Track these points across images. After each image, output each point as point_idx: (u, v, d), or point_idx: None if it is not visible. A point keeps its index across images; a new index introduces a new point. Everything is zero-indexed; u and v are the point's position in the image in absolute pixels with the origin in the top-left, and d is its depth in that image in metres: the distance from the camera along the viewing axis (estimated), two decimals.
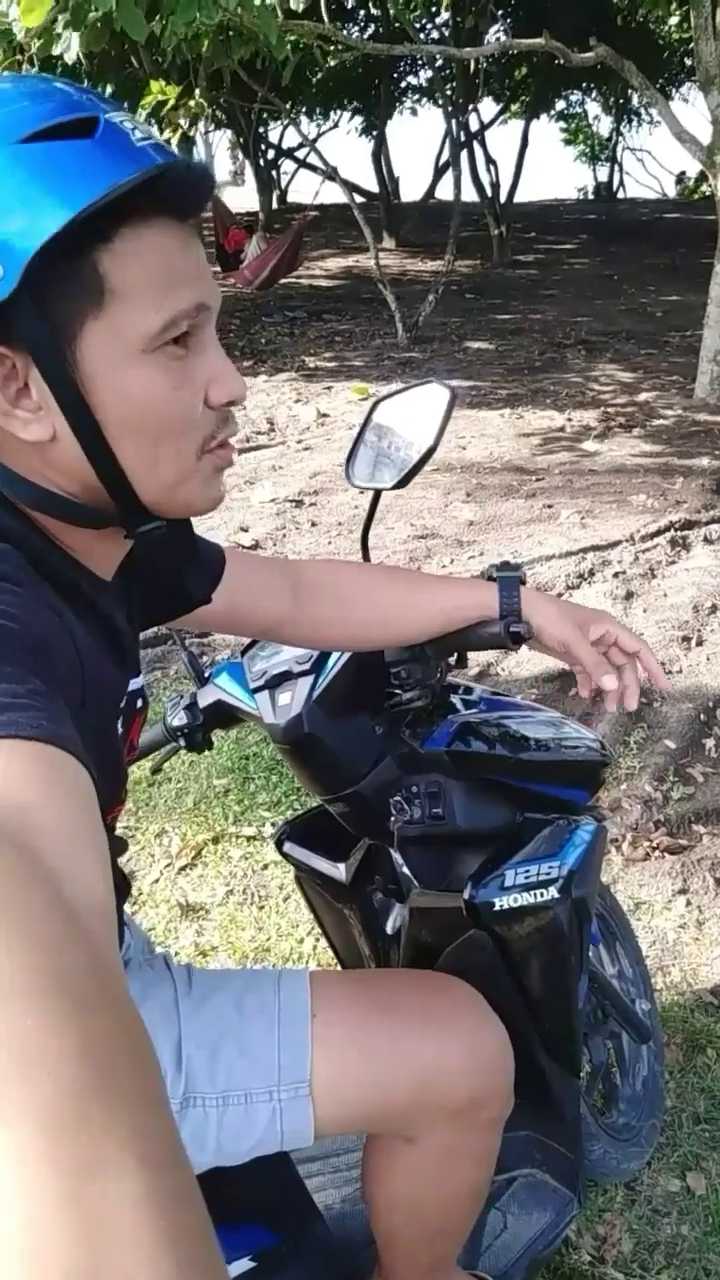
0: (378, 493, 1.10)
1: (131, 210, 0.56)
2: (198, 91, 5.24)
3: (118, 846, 0.85)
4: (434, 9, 11.42)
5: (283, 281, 9.11)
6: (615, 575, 3.46)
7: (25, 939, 0.36)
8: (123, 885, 0.87)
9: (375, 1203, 0.97)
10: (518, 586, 1.00)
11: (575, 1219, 1.25)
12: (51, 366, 0.57)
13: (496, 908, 1.08)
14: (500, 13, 11.34)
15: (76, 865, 0.41)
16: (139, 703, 0.79)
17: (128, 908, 1.93)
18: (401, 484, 1.03)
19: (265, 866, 2.12)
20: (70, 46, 3.55)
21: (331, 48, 5.61)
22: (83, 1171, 0.30)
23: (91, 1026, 0.34)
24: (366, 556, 1.19)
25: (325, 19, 5.01)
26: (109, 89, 6.86)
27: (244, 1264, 0.93)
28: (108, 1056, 0.34)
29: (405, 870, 1.16)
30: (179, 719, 1.23)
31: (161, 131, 5.17)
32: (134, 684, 0.77)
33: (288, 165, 15.89)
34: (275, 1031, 0.86)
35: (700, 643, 3.01)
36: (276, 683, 1.13)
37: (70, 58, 3.63)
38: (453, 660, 1.16)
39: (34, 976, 0.35)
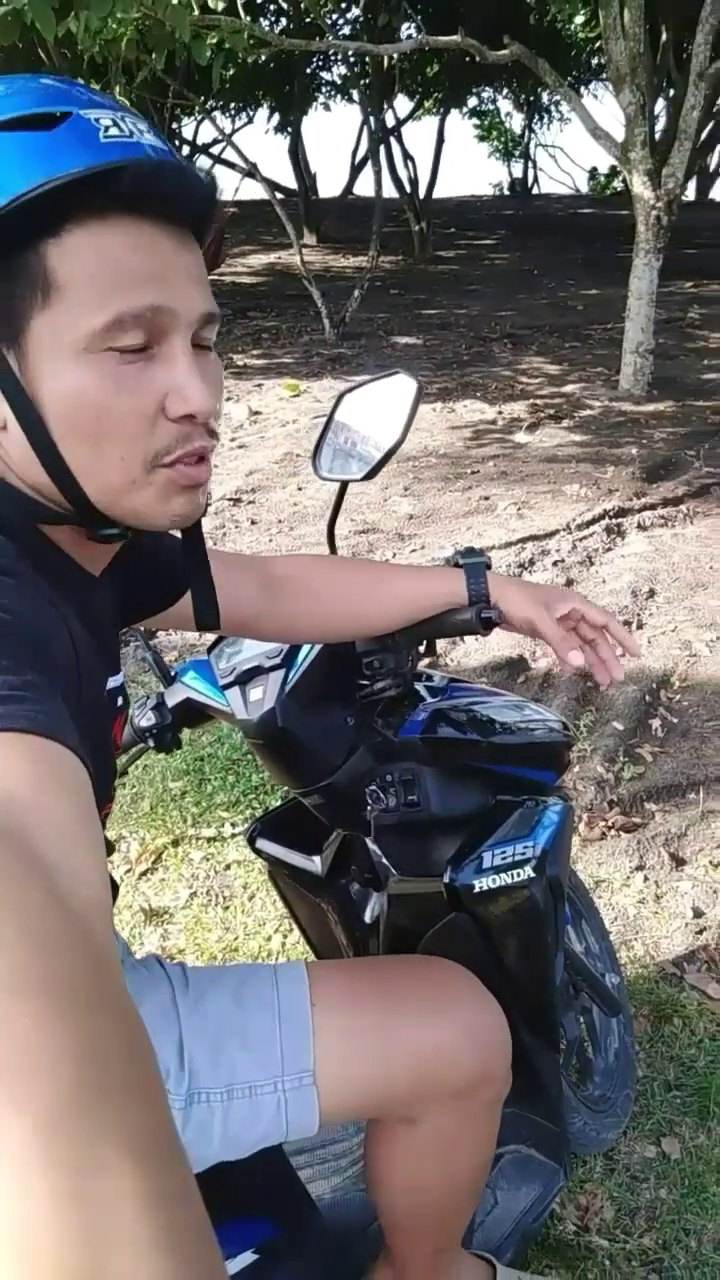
0: (344, 485, 1.10)
1: (84, 205, 0.54)
2: (116, 90, 5.15)
3: (106, 848, 0.84)
4: (345, 4, 11.43)
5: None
6: (555, 564, 3.53)
7: (22, 936, 0.36)
8: (112, 889, 0.86)
9: (379, 1188, 0.98)
10: (484, 572, 1.02)
11: (563, 1189, 1.28)
12: None
13: (476, 889, 1.09)
14: (411, 10, 11.41)
15: (74, 860, 0.41)
16: (119, 700, 0.79)
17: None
18: (370, 475, 1.04)
19: (228, 867, 2.11)
20: None
21: (246, 44, 5.57)
22: (81, 1170, 0.30)
23: (89, 1024, 0.34)
24: (333, 547, 1.19)
25: (241, 14, 4.97)
26: None
27: (248, 1257, 0.93)
28: (105, 1054, 0.34)
29: (383, 859, 1.16)
30: (147, 719, 1.22)
31: None
32: (115, 682, 0.77)
33: (203, 162, 15.72)
34: (276, 1023, 0.86)
35: (640, 626, 3.08)
36: (247, 678, 1.13)
37: None
38: (422, 648, 1.18)
39: (31, 974, 0.35)
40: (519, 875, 1.10)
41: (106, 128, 0.55)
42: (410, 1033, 0.89)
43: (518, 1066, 1.21)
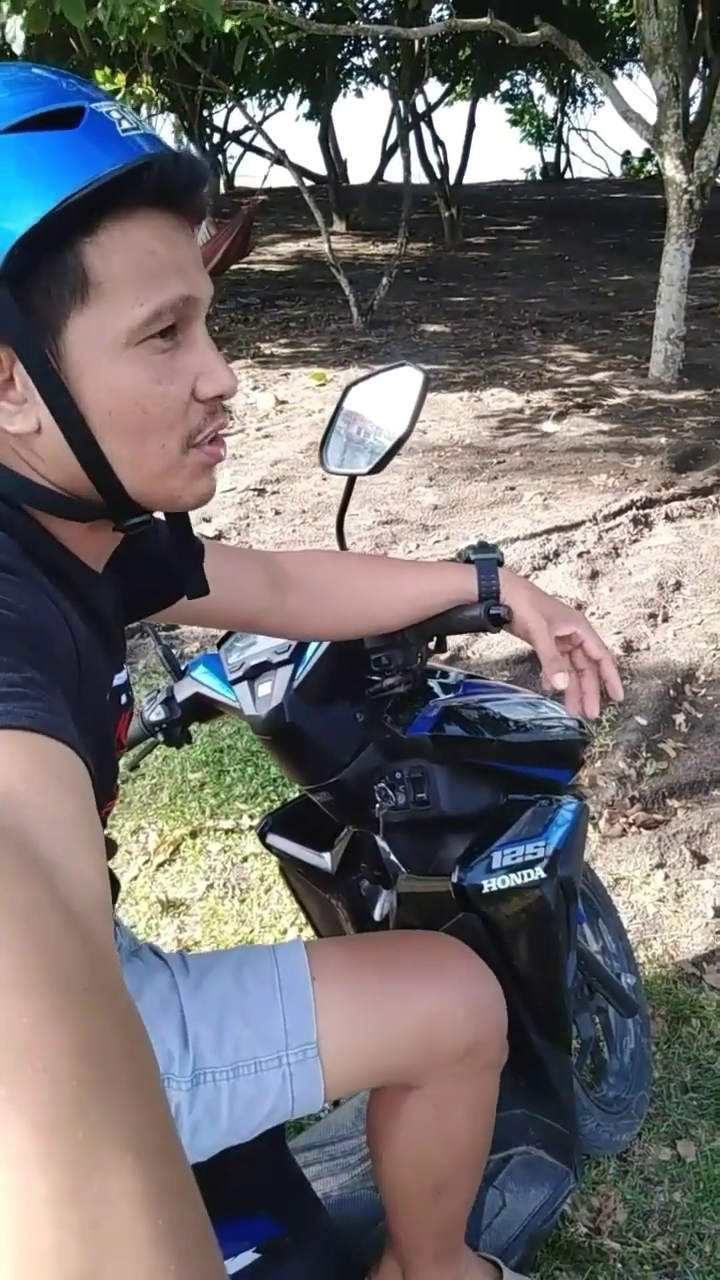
0: (352, 478, 1.09)
1: (116, 202, 0.55)
2: (145, 78, 5.14)
3: (107, 848, 0.84)
4: None
5: (234, 267, 9.00)
6: (580, 555, 3.49)
7: (21, 934, 0.36)
8: (113, 886, 0.86)
9: (383, 1162, 0.98)
10: (496, 569, 1.00)
11: (573, 1192, 1.26)
12: (34, 359, 0.56)
13: (485, 890, 1.08)
14: None
15: (73, 858, 0.41)
16: (123, 698, 0.78)
17: (117, 910, 1.92)
18: (376, 469, 1.02)
19: (245, 859, 2.11)
20: (16, 34, 3.46)
21: (276, 28, 5.53)
22: (80, 1168, 0.30)
23: (88, 1022, 0.34)
24: (342, 543, 1.18)
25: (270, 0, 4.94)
26: None
27: (249, 1255, 0.93)
28: (104, 1052, 0.34)
29: (391, 857, 1.16)
30: (156, 714, 1.21)
31: None
32: (118, 679, 0.76)
33: (234, 149, 15.71)
34: (278, 999, 0.87)
35: (666, 619, 3.04)
36: (255, 673, 1.12)
37: (18, 48, 3.54)
38: (432, 644, 1.16)
39: (30, 972, 0.35)
40: (529, 876, 1.09)
41: (118, 121, 0.56)
42: (409, 1000, 0.90)
43: (528, 1068, 1.20)
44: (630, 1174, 1.43)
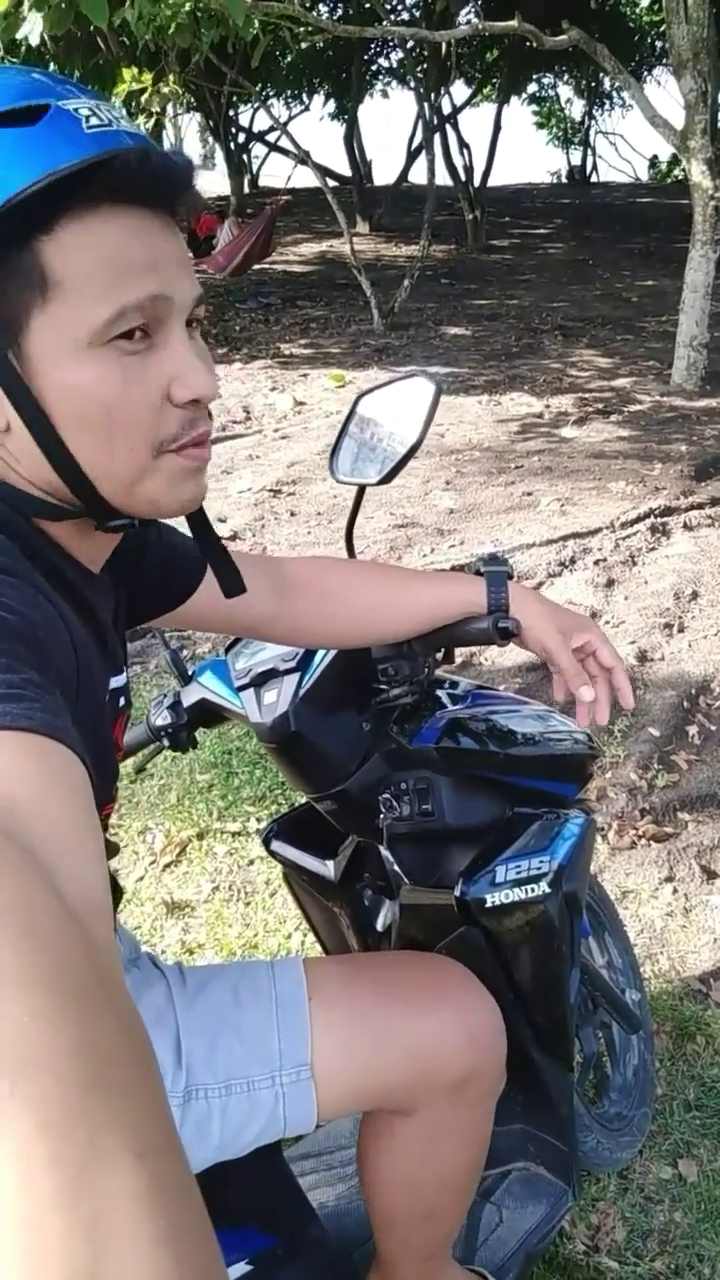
0: (362, 488, 1.08)
1: (75, 199, 0.54)
2: (171, 77, 5.16)
3: (108, 850, 0.83)
4: None
5: (256, 267, 9.04)
6: (596, 563, 3.47)
7: (22, 934, 0.36)
8: (114, 891, 0.86)
9: (371, 1184, 0.97)
10: (505, 582, 0.99)
11: (571, 1210, 1.25)
12: None
13: (488, 904, 1.07)
14: None
15: (73, 860, 0.41)
16: (121, 701, 0.78)
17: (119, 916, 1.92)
18: (386, 479, 1.02)
19: (251, 862, 2.11)
20: (34, 29, 3.47)
21: (301, 29, 5.54)
22: (82, 1168, 0.30)
23: (90, 1022, 0.34)
24: (351, 552, 1.17)
25: (295, 0, 4.94)
26: (75, 74, 6.75)
27: (241, 1268, 0.92)
28: (106, 1052, 0.34)
29: (395, 867, 1.15)
30: (162, 718, 1.21)
31: (135, 118, 5.11)
32: (117, 682, 0.76)
33: (259, 149, 15.75)
34: (273, 1017, 0.86)
35: (682, 629, 3.01)
36: (262, 680, 1.11)
37: (34, 39, 3.55)
38: (439, 655, 1.15)
39: (31, 972, 0.34)
40: (533, 890, 1.08)
41: (87, 118, 0.55)
42: (406, 1025, 0.89)
43: (528, 1083, 1.19)
44: (630, 1192, 1.42)
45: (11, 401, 0.57)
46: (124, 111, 0.60)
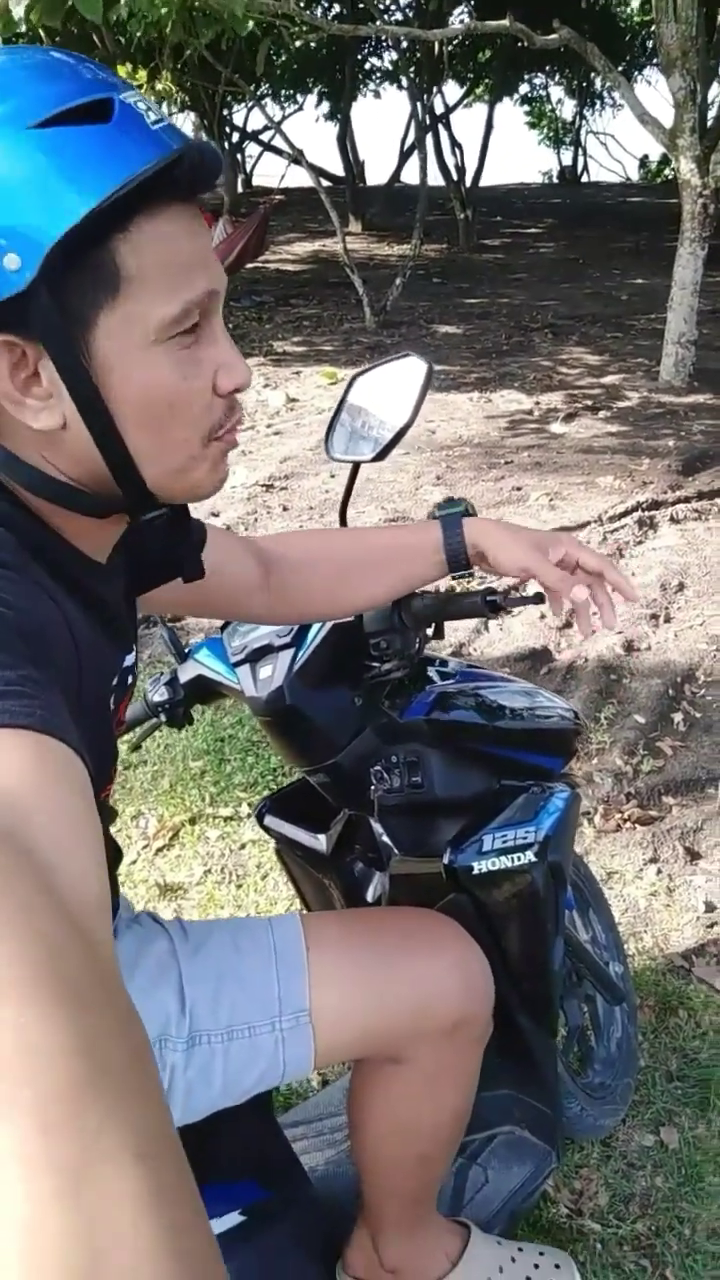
0: (356, 465, 1.11)
1: (148, 197, 0.55)
2: (166, 74, 5.17)
3: (108, 815, 0.86)
4: None
5: (249, 266, 9.04)
6: None
7: (20, 934, 0.36)
8: (114, 853, 0.89)
9: (362, 1131, 1.00)
10: (459, 522, 0.99)
11: (553, 1174, 1.29)
12: (65, 356, 0.56)
13: (475, 871, 1.10)
14: None
15: (71, 858, 0.41)
16: (129, 679, 0.80)
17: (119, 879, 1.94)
18: (380, 456, 1.05)
19: (243, 846, 2.14)
20: (19, 4, 3.46)
21: (297, 28, 5.56)
22: (80, 1169, 0.30)
23: (87, 1022, 0.35)
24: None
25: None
26: None
27: (234, 1218, 0.96)
28: (104, 1052, 0.34)
29: (385, 838, 1.18)
30: (160, 694, 1.24)
31: None
32: (129, 660, 0.78)
33: (253, 149, 15.75)
34: (273, 966, 0.90)
35: (668, 620, 3.06)
36: (257, 656, 1.14)
37: (18, 14, 3.53)
38: (430, 631, 1.19)
39: (30, 972, 0.35)
40: (519, 859, 1.11)
41: (146, 114, 0.56)
42: (402, 971, 0.92)
43: (514, 1050, 1.23)
44: (613, 1159, 1.46)
45: (73, 397, 0.57)
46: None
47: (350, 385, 1.09)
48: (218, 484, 0.67)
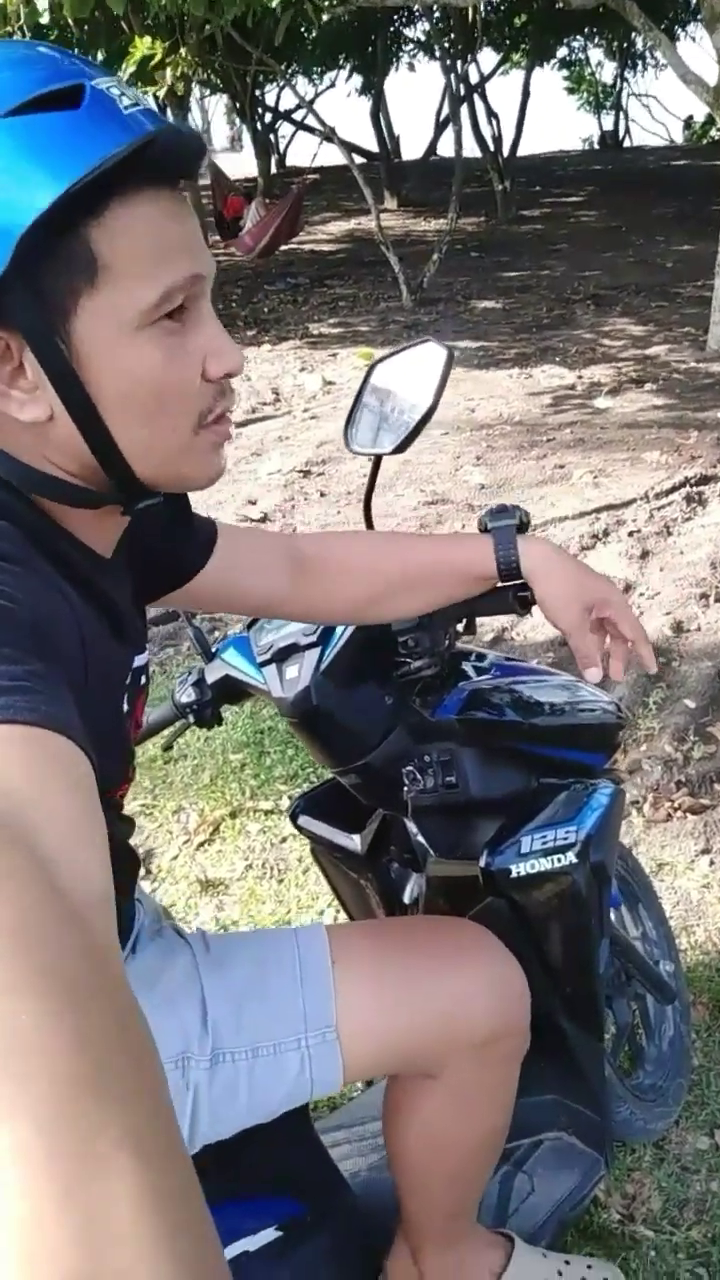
0: (378, 458, 1.07)
1: (121, 182, 0.54)
2: (183, 50, 5.11)
3: (126, 827, 0.84)
4: None
5: (284, 248, 8.99)
6: (630, 534, 3.42)
7: (20, 932, 0.36)
8: (133, 864, 0.87)
9: (397, 1146, 0.98)
10: (514, 538, 0.95)
11: (604, 1179, 1.25)
12: (45, 346, 0.56)
13: (513, 874, 1.07)
14: None
15: (74, 853, 0.41)
16: (142, 679, 0.78)
17: (145, 885, 1.94)
18: (401, 448, 1.01)
19: (284, 840, 2.12)
20: (44, 3, 3.46)
21: (325, 3, 5.46)
22: (79, 1169, 0.30)
23: (87, 1020, 0.34)
24: (370, 525, 1.17)
25: None
26: (100, 56, 6.74)
27: (270, 1233, 0.94)
28: (104, 1050, 0.34)
29: (421, 839, 1.15)
30: (187, 695, 1.22)
31: (146, 89, 5.07)
32: (140, 660, 0.76)
33: (286, 128, 15.61)
34: (298, 981, 0.87)
35: (719, 599, 2.96)
36: (283, 656, 1.12)
37: (44, 17, 3.54)
38: (460, 627, 1.15)
39: (29, 970, 0.35)
40: (560, 861, 1.07)
41: (119, 97, 0.55)
42: (431, 985, 0.89)
43: (559, 1053, 1.19)
44: (666, 1162, 1.41)
45: (56, 388, 0.57)
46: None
47: (369, 373, 1.05)
48: (212, 476, 0.66)
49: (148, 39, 4.79)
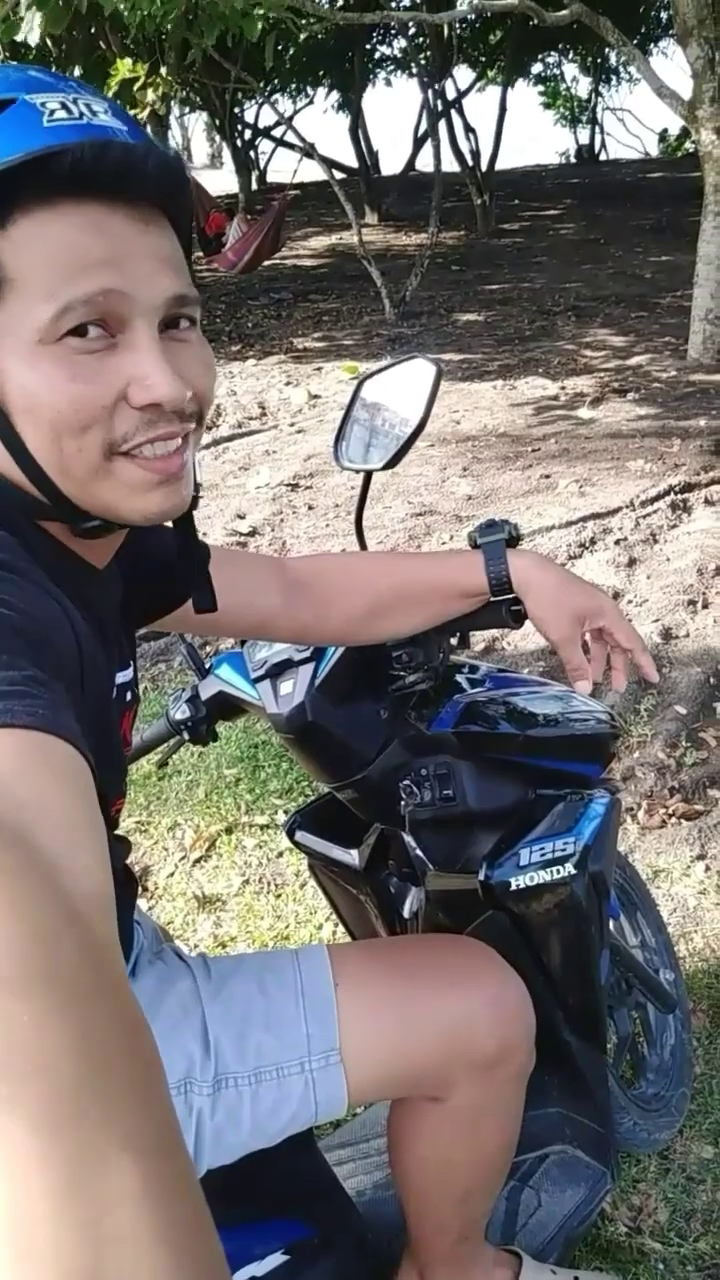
0: (369, 474, 1.07)
1: (27, 194, 0.53)
2: (163, 70, 5.15)
3: (121, 846, 0.84)
4: None
5: (267, 263, 9.02)
6: (617, 543, 3.43)
7: (20, 932, 0.36)
8: (129, 885, 0.86)
9: (404, 1169, 0.97)
10: (504, 553, 0.96)
11: (610, 1192, 1.24)
12: None
13: (513, 887, 1.06)
14: None
15: (74, 854, 0.41)
16: (128, 696, 0.78)
17: (142, 903, 1.93)
18: (391, 464, 1.01)
19: (280, 854, 2.11)
20: (34, 29, 3.48)
21: (302, 20, 5.51)
22: (79, 1167, 0.30)
23: (87, 1020, 0.34)
24: (362, 541, 1.17)
25: None
26: (77, 72, 6.77)
27: (278, 1258, 0.93)
28: (104, 1050, 0.34)
29: (419, 853, 1.14)
30: (181, 712, 1.22)
31: (130, 110, 5.11)
32: (124, 677, 0.76)
33: (266, 145, 15.71)
34: (300, 1004, 0.86)
35: (706, 605, 2.98)
36: (278, 671, 1.11)
37: (34, 40, 3.56)
38: (454, 640, 1.15)
39: (29, 970, 0.35)
40: (559, 872, 1.07)
41: (52, 111, 0.54)
42: (433, 1006, 0.88)
43: (562, 1066, 1.18)
44: (672, 1172, 1.41)
45: None
46: (114, 105, 0.59)
47: (358, 389, 1.05)
48: (148, 514, 0.61)
49: (128, 61, 4.82)
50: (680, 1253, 1.30)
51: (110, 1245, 0.29)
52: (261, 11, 4.40)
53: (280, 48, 11.45)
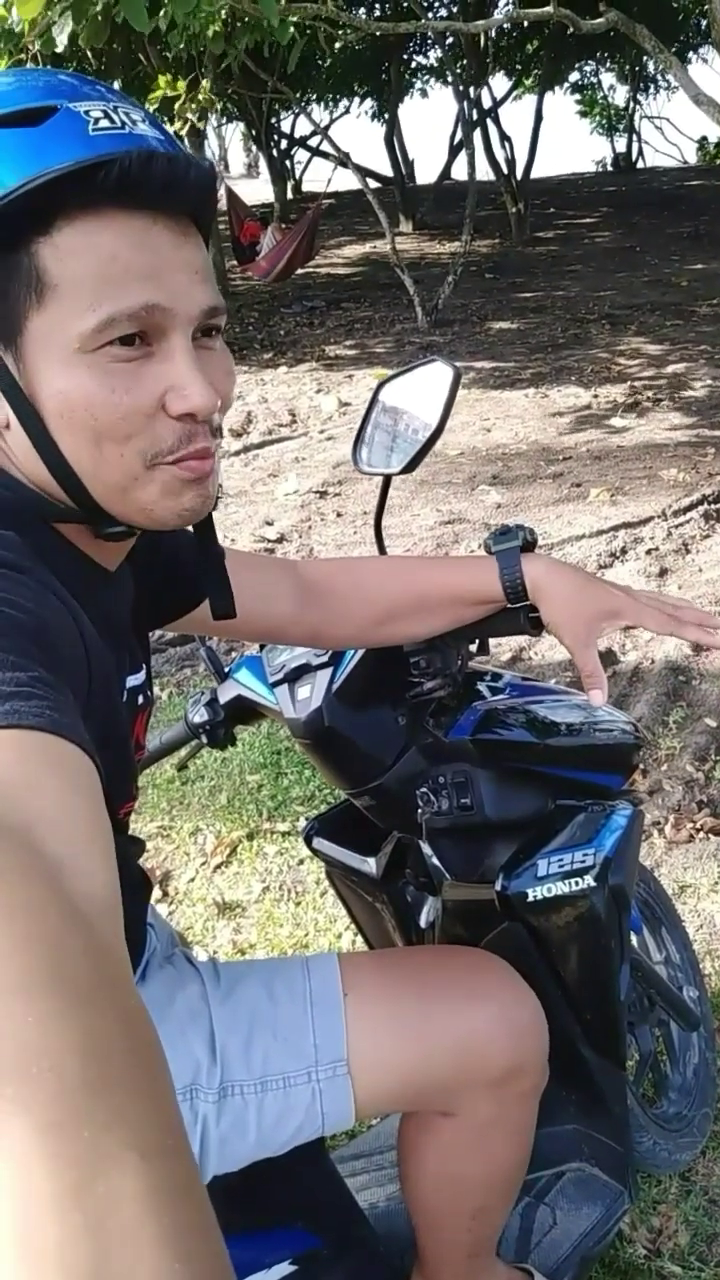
0: (388, 478, 1.07)
1: (73, 202, 0.53)
2: (205, 84, 5.21)
3: (134, 847, 0.83)
4: None
5: (300, 271, 9.08)
6: (648, 552, 3.39)
7: (26, 934, 0.36)
8: (143, 885, 0.86)
9: (414, 1183, 0.95)
10: (518, 559, 0.94)
11: (628, 1212, 1.22)
12: None
13: (530, 899, 1.05)
14: None
15: (79, 856, 0.41)
16: (140, 699, 0.77)
17: (161, 908, 1.93)
18: (409, 468, 1.00)
19: (301, 861, 2.10)
20: (64, 31, 3.51)
21: (338, 31, 5.54)
22: (84, 1169, 0.30)
23: (92, 1021, 0.34)
24: (381, 546, 1.16)
25: (330, 2, 4.95)
26: (116, 85, 6.86)
27: (284, 1268, 0.92)
28: (109, 1051, 0.34)
29: (436, 862, 1.13)
30: (200, 716, 1.21)
31: (171, 125, 5.17)
32: (135, 680, 0.76)
33: (301, 154, 15.83)
34: (308, 1014, 0.85)
35: None
36: (295, 676, 1.11)
37: (61, 44, 3.59)
38: (473, 647, 1.13)
39: (34, 972, 0.35)
40: (578, 884, 1.05)
41: (96, 120, 0.54)
42: (444, 1020, 0.87)
43: (579, 1082, 1.16)
44: (693, 1194, 1.38)
45: (9, 401, 0.57)
46: (149, 115, 0.59)
47: (377, 393, 1.04)
48: (180, 514, 0.62)
49: (168, 77, 4.88)
50: (701, 1277, 1.27)
51: (115, 1246, 0.29)
52: (294, 17, 4.43)
53: (316, 58, 11.54)
